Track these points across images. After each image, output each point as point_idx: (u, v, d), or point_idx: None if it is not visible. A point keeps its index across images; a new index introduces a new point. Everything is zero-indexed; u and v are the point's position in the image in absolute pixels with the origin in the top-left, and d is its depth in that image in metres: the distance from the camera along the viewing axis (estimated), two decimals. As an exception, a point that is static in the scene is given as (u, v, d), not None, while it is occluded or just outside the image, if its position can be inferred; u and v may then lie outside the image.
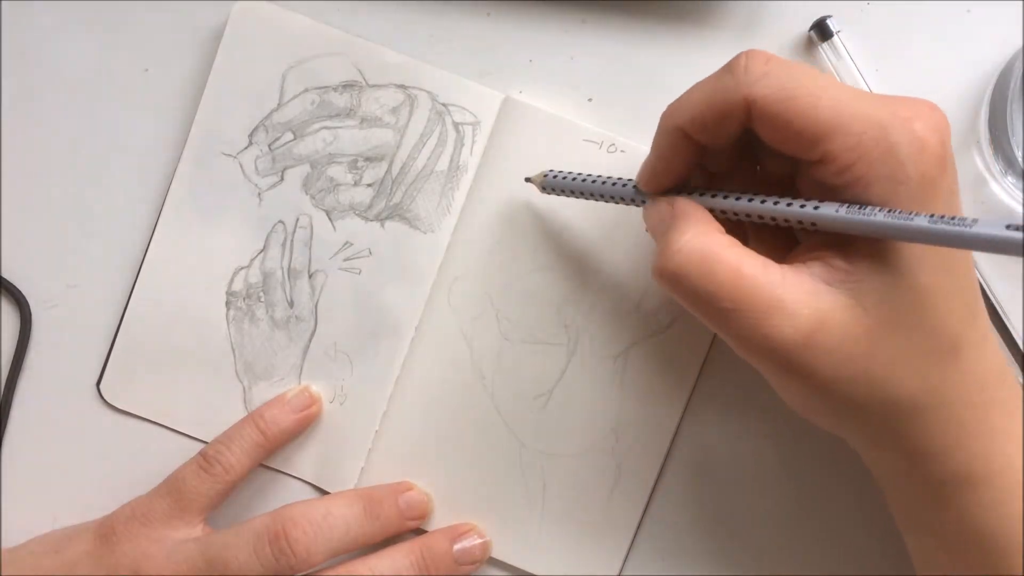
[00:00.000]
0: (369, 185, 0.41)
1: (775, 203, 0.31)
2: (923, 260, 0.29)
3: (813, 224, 0.30)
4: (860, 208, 0.29)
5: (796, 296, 0.29)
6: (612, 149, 0.40)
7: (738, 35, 0.40)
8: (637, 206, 0.35)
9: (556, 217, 0.40)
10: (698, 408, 0.40)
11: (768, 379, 0.32)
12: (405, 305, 0.41)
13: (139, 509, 0.39)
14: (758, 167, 0.35)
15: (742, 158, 0.34)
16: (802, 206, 0.30)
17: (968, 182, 0.40)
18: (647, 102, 0.41)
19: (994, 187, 0.39)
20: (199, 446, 0.40)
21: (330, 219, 0.41)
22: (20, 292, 0.42)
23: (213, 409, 0.41)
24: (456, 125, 0.41)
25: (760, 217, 0.31)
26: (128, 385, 0.42)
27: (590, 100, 0.41)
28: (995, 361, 0.32)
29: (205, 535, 0.38)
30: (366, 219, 0.41)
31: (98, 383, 0.42)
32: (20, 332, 0.42)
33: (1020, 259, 0.39)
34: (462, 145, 0.41)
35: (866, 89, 0.39)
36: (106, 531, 0.38)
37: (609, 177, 0.36)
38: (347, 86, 0.41)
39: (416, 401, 0.41)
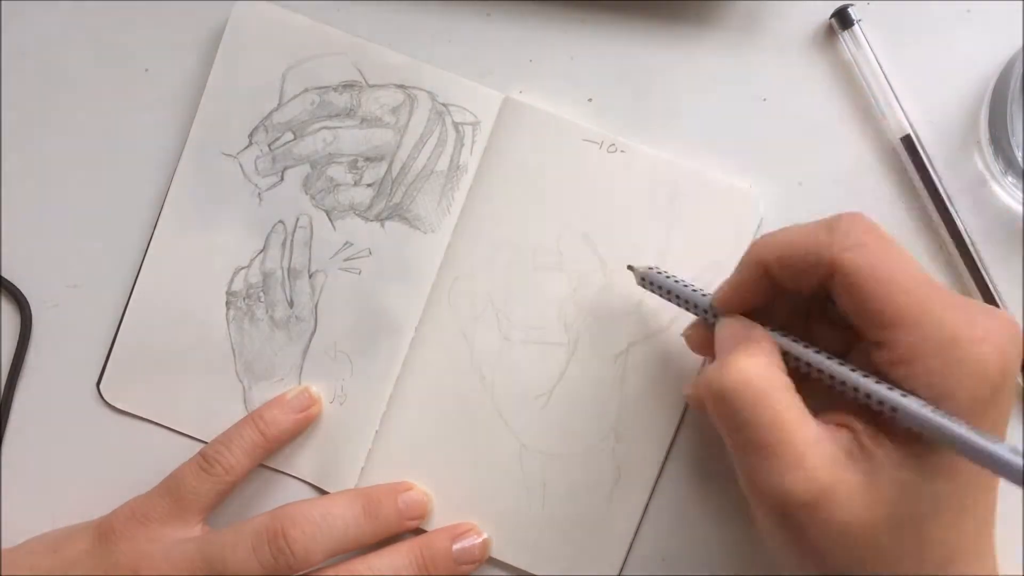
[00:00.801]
0: (369, 185, 0.41)
1: (863, 375, 0.30)
2: (949, 469, 0.29)
3: (893, 410, 0.29)
4: (944, 414, 0.28)
5: (821, 457, 0.29)
6: (612, 149, 0.40)
7: (738, 35, 0.40)
8: (710, 321, 0.35)
9: (556, 217, 0.40)
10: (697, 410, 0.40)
11: (762, 528, 0.32)
12: (405, 305, 0.41)
13: (138, 509, 0.39)
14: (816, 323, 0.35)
15: (808, 310, 0.34)
16: (890, 389, 0.30)
17: (968, 182, 0.40)
18: (647, 102, 0.41)
19: (994, 187, 0.39)
20: (199, 446, 0.40)
21: (330, 219, 0.41)
22: (21, 292, 0.42)
23: (213, 409, 0.41)
24: (456, 125, 0.41)
25: (831, 378, 0.31)
26: (128, 385, 0.42)
27: (590, 100, 0.41)
28: None
29: (204, 535, 0.38)
30: (366, 219, 0.41)
31: (98, 383, 0.42)
32: (20, 332, 0.42)
33: (1020, 257, 0.39)
34: (462, 145, 0.41)
35: (885, 83, 0.39)
36: (105, 531, 0.38)
37: (698, 289, 0.36)
38: (347, 86, 0.41)
39: (416, 401, 0.41)
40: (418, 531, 0.40)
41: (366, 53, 0.41)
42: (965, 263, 0.39)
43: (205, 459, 0.39)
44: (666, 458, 0.40)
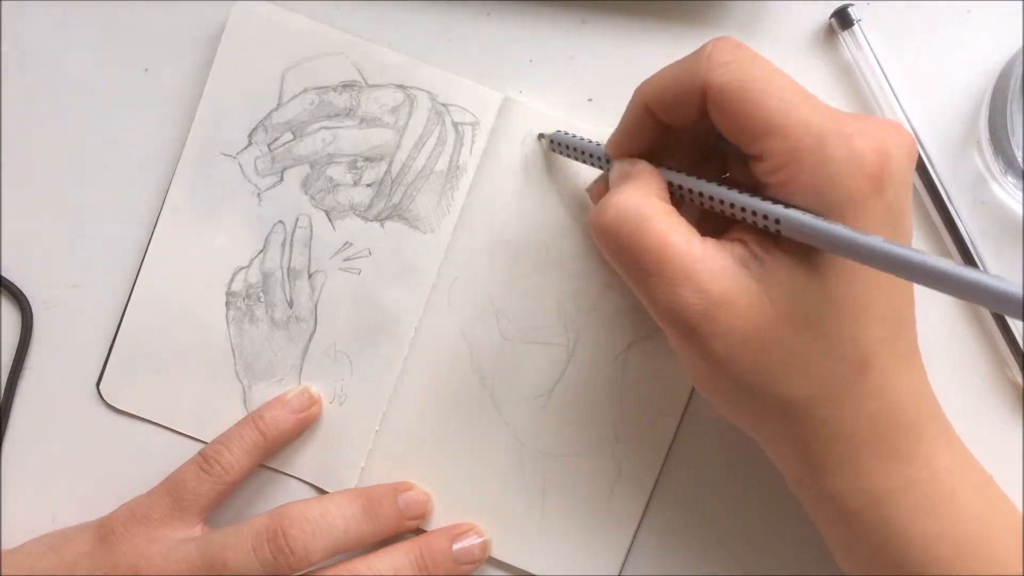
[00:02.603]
0: (369, 185, 0.41)
1: (747, 194, 0.31)
2: (844, 270, 0.30)
3: (777, 222, 0.30)
4: (822, 218, 0.29)
5: (710, 270, 0.30)
6: (612, 149, 0.40)
7: (738, 35, 0.40)
8: (606, 170, 0.36)
9: (556, 217, 0.40)
10: (698, 408, 0.40)
11: (675, 350, 0.33)
12: (405, 305, 0.41)
13: (138, 509, 0.39)
14: (726, 169, 0.36)
15: (713, 154, 0.35)
16: (772, 202, 0.30)
17: (968, 182, 0.40)
18: (647, 102, 0.41)
19: (994, 187, 0.39)
20: (199, 446, 0.40)
21: (330, 219, 0.41)
22: (22, 292, 0.42)
23: (213, 409, 0.41)
24: (456, 125, 0.41)
25: (721, 203, 0.32)
26: (128, 385, 0.42)
27: (590, 100, 0.41)
28: (912, 384, 0.32)
29: (204, 535, 0.38)
30: (366, 219, 0.41)
31: (98, 383, 0.42)
32: (21, 332, 0.42)
33: (1020, 257, 0.39)
34: (461, 145, 0.41)
35: (885, 83, 0.39)
36: (105, 531, 0.38)
37: (601, 144, 0.37)
38: (346, 86, 0.41)
39: (416, 401, 0.41)
40: (418, 531, 0.40)
41: (366, 53, 0.41)
42: (965, 263, 0.39)
43: (205, 459, 0.39)
44: (666, 458, 0.40)
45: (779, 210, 0.29)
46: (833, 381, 0.30)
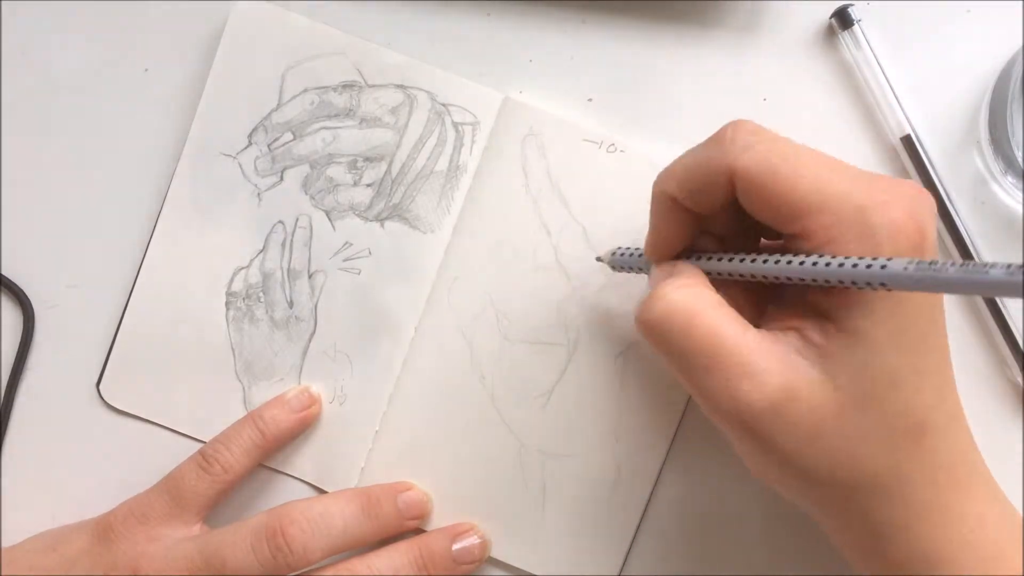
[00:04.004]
0: (369, 185, 0.41)
1: (804, 257, 0.30)
2: (895, 340, 0.29)
3: (883, 284, 0.28)
4: (886, 259, 0.27)
5: (769, 364, 0.29)
6: (612, 149, 0.40)
7: (738, 35, 0.40)
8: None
9: (557, 216, 0.40)
10: (698, 408, 0.40)
11: (733, 443, 0.32)
12: (405, 305, 0.41)
13: (137, 508, 0.39)
14: (760, 234, 0.35)
15: (743, 219, 0.34)
16: (827, 264, 0.28)
17: (968, 182, 0.40)
18: (647, 102, 0.41)
19: (994, 187, 0.39)
20: (199, 446, 0.40)
21: (330, 219, 0.41)
22: (23, 292, 0.42)
23: (213, 409, 0.41)
24: (456, 125, 0.41)
25: (762, 276, 0.31)
26: (128, 385, 0.42)
27: (590, 100, 0.41)
28: (961, 443, 0.31)
29: (203, 534, 0.38)
30: (366, 219, 0.41)
31: (98, 383, 0.42)
32: (23, 332, 0.42)
33: (1021, 257, 0.39)
34: (461, 145, 0.41)
35: (885, 83, 0.39)
36: (104, 529, 0.38)
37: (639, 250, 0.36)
38: (346, 86, 0.41)
39: (416, 401, 0.41)
40: (418, 531, 0.40)
41: (366, 53, 0.41)
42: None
43: (204, 458, 0.39)
44: (666, 458, 0.40)
45: (881, 273, 0.27)
46: (895, 452, 0.30)
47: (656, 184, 0.33)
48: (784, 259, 0.30)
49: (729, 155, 0.30)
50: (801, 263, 0.29)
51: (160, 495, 0.39)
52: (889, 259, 0.27)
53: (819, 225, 0.29)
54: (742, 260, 0.31)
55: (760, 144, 0.30)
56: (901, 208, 0.29)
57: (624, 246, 0.38)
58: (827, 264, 0.28)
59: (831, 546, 0.35)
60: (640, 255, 0.36)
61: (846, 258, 0.28)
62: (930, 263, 0.26)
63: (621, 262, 0.37)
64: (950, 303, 0.40)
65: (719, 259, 0.32)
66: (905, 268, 0.26)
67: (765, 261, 0.30)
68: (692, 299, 0.30)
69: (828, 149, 0.40)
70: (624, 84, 0.41)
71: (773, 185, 0.29)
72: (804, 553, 0.40)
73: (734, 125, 0.31)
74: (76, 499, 0.41)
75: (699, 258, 0.33)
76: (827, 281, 0.29)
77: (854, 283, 0.28)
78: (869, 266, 0.27)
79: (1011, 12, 0.39)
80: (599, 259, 0.39)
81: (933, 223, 0.30)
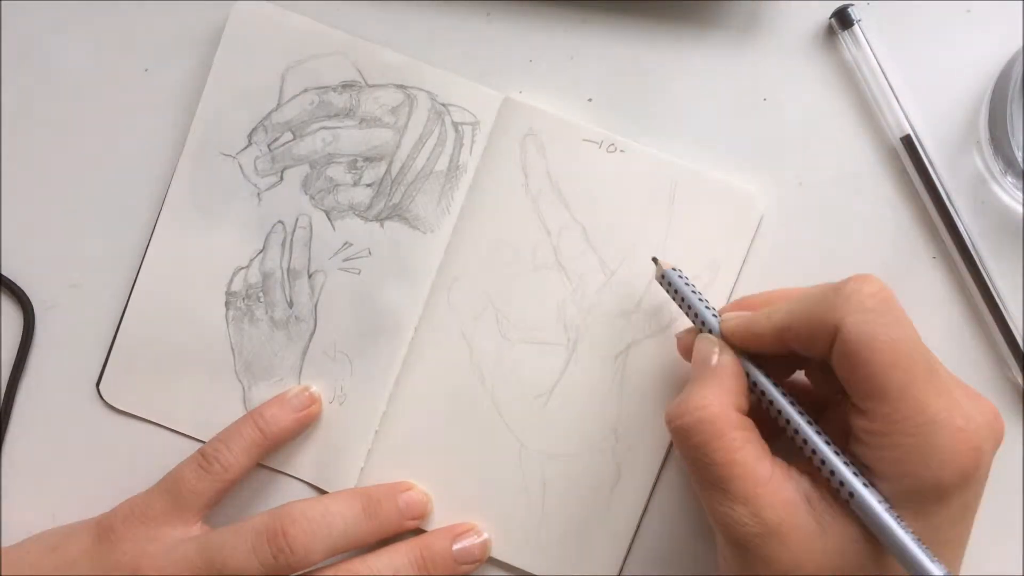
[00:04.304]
0: (368, 185, 0.41)
1: (826, 442, 0.31)
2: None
3: (851, 495, 0.30)
4: (896, 517, 0.29)
5: (771, 497, 0.30)
6: (612, 149, 0.40)
7: (738, 35, 0.40)
8: (699, 330, 0.36)
9: (556, 217, 0.40)
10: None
11: (720, 549, 0.33)
12: (405, 305, 0.41)
13: (137, 507, 0.39)
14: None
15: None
16: (852, 470, 0.30)
17: (968, 182, 0.40)
18: (647, 102, 0.41)
19: (994, 187, 0.39)
20: (199, 446, 0.40)
21: (329, 219, 0.41)
22: (24, 292, 0.42)
23: (212, 409, 0.41)
24: (456, 125, 0.41)
25: (795, 432, 0.32)
26: (127, 385, 0.42)
27: (590, 100, 0.41)
28: None
29: (203, 534, 0.38)
30: (365, 219, 0.41)
31: (98, 383, 0.42)
32: (23, 332, 0.42)
33: (1020, 257, 0.39)
34: (461, 145, 0.41)
35: (885, 83, 0.39)
36: (104, 529, 0.38)
37: (711, 307, 0.36)
38: (346, 86, 0.41)
39: (416, 401, 0.41)
40: (418, 531, 0.40)
41: (366, 53, 0.41)
42: (965, 263, 0.39)
43: (204, 457, 0.39)
44: (666, 457, 0.40)
45: (857, 487, 0.30)
46: None
47: (774, 313, 0.33)
48: (829, 448, 0.31)
49: (841, 310, 0.30)
50: (839, 470, 0.30)
51: (160, 495, 0.39)
52: (867, 485, 0.29)
53: (886, 416, 0.29)
54: (788, 401, 0.32)
55: (876, 312, 0.30)
56: (969, 437, 0.29)
57: (685, 274, 0.37)
58: (868, 499, 0.29)
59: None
60: (706, 306, 0.36)
61: (896, 516, 0.29)
62: None
63: (676, 284, 0.37)
64: (951, 305, 0.40)
65: (774, 385, 0.33)
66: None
67: (811, 427, 0.32)
68: (720, 418, 0.31)
69: (828, 149, 0.40)
70: (624, 84, 0.41)
71: (866, 359, 0.29)
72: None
73: (860, 280, 0.31)
74: (76, 499, 0.41)
75: (753, 362, 0.33)
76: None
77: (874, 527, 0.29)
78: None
79: (1011, 12, 0.39)
80: (655, 260, 0.38)
81: (993, 453, 0.31)
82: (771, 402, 0.33)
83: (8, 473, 0.42)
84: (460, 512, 0.41)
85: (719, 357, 0.34)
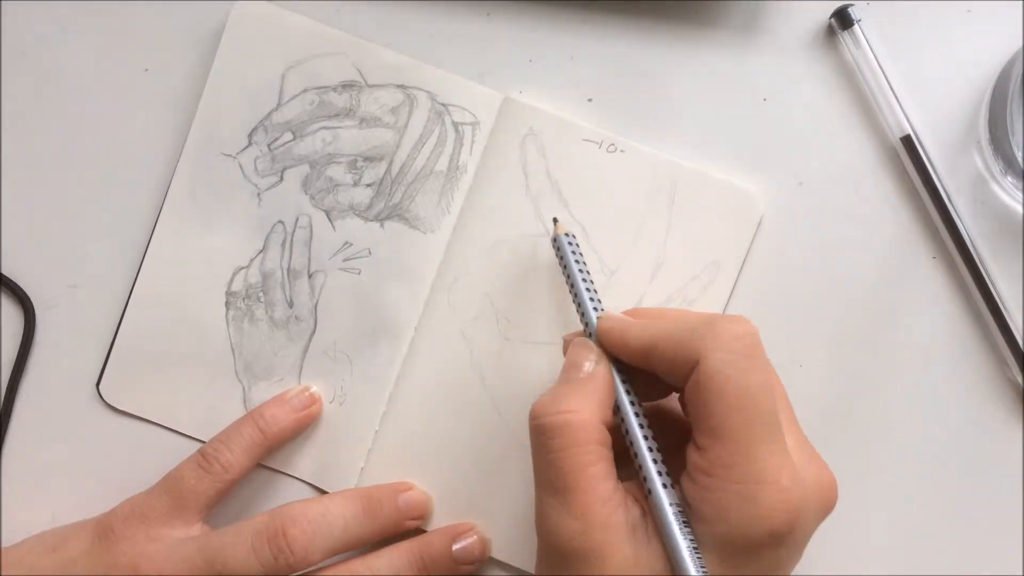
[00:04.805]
0: (369, 185, 0.41)
1: (653, 461, 0.31)
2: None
3: (645, 486, 0.31)
4: (699, 560, 0.29)
5: (603, 518, 0.30)
6: (612, 149, 0.40)
7: (738, 35, 0.40)
8: (582, 326, 0.36)
9: (556, 216, 0.40)
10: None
11: (538, 559, 0.33)
12: (405, 305, 0.41)
13: (137, 507, 0.38)
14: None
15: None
16: (664, 486, 0.31)
17: (968, 182, 0.40)
18: (647, 102, 0.41)
19: (994, 187, 0.39)
20: (198, 446, 0.40)
21: (330, 219, 0.41)
22: (25, 292, 0.42)
23: (213, 409, 0.41)
24: (456, 125, 0.41)
25: (634, 454, 0.32)
26: (128, 385, 0.41)
27: (590, 100, 0.41)
28: None
29: (204, 534, 0.38)
30: (366, 219, 0.41)
31: (98, 383, 0.42)
32: (24, 332, 0.42)
33: (1020, 257, 0.39)
34: (461, 145, 0.41)
35: (885, 83, 0.39)
36: (104, 529, 0.38)
37: (595, 297, 0.36)
38: (346, 86, 0.41)
39: (416, 401, 0.41)
40: (418, 531, 0.40)
41: (366, 53, 0.41)
42: (965, 263, 0.39)
43: (204, 457, 0.39)
44: (666, 458, 0.40)
45: (662, 505, 0.30)
46: None
47: (642, 331, 0.33)
48: (661, 478, 0.31)
49: (706, 345, 0.30)
50: (664, 486, 0.31)
51: (160, 495, 0.39)
52: (679, 511, 0.30)
53: (715, 455, 0.30)
54: (641, 431, 0.32)
55: (736, 354, 0.30)
56: (790, 501, 0.29)
57: (579, 249, 0.37)
58: (675, 525, 0.30)
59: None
60: (590, 297, 0.36)
61: (682, 521, 0.30)
62: None
63: (565, 255, 0.37)
64: (952, 305, 0.40)
65: (634, 402, 0.33)
66: None
67: (646, 440, 0.32)
68: (582, 428, 0.31)
69: (828, 149, 0.40)
70: (624, 84, 0.41)
71: (713, 396, 0.30)
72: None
73: (728, 320, 0.31)
74: (76, 499, 0.41)
75: (624, 382, 0.33)
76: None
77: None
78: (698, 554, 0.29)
79: (1011, 12, 0.40)
80: (555, 220, 0.39)
81: (817, 521, 0.31)
82: (623, 418, 0.33)
83: (8, 473, 0.42)
84: (460, 512, 0.41)
85: (595, 366, 0.33)
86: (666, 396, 0.35)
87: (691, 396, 0.31)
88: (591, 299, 0.36)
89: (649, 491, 0.31)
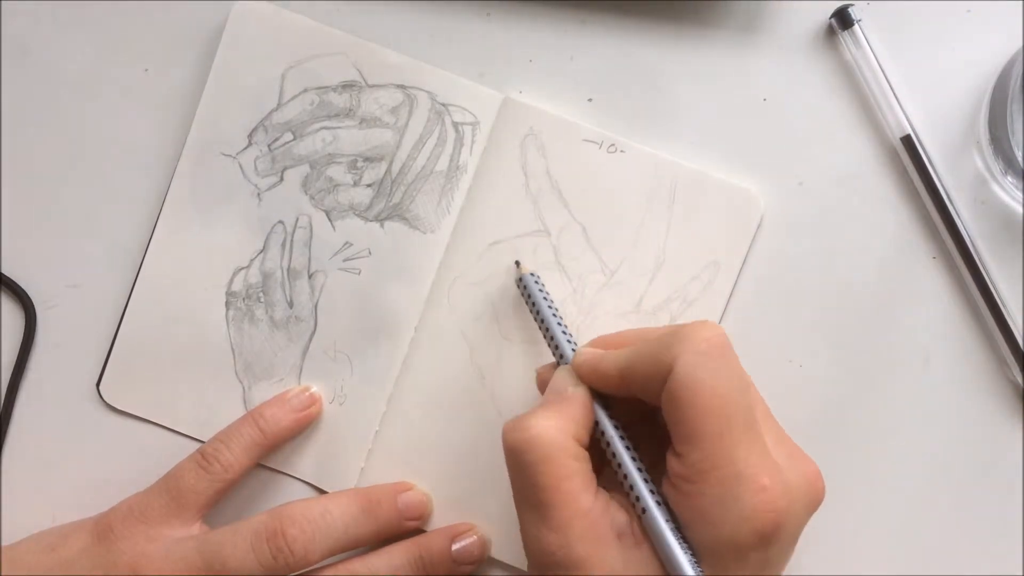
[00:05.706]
0: (369, 185, 0.41)
1: (639, 471, 0.31)
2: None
3: (643, 511, 0.31)
4: (692, 560, 0.29)
5: (585, 530, 0.30)
6: (612, 149, 0.40)
7: (738, 35, 0.40)
8: (555, 359, 0.36)
9: (556, 216, 0.40)
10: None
11: (528, 567, 0.33)
12: (405, 305, 0.41)
13: (136, 507, 0.38)
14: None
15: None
16: (658, 503, 0.31)
17: (968, 182, 0.40)
18: (647, 102, 0.41)
19: (994, 187, 0.39)
20: (198, 446, 0.40)
21: (330, 219, 0.41)
22: (25, 292, 0.42)
23: (213, 409, 0.41)
24: (456, 125, 0.41)
25: (619, 469, 0.32)
26: (128, 385, 0.42)
27: (590, 100, 0.41)
28: None
29: (203, 534, 0.38)
30: (366, 219, 0.41)
31: (98, 383, 0.42)
32: (24, 332, 0.42)
33: (1020, 257, 0.39)
34: (461, 145, 0.41)
35: (885, 83, 0.39)
36: (103, 529, 0.38)
37: (567, 332, 0.36)
38: (346, 86, 0.41)
39: (416, 401, 0.41)
40: (418, 531, 0.40)
41: (366, 53, 0.41)
42: (965, 263, 0.39)
43: (204, 457, 0.39)
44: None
45: (650, 504, 0.30)
46: None
47: (616, 358, 0.33)
48: (645, 487, 0.31)
49: (676, 351, 0.30)
50: (658, 503, 0.31)
51: (159, 494, 0.39)
52: (667, 519, 0.30)
53: (695, 460, 0.29)
54: (626, 451, 0.32)
55: (707, 357, 0.30)
56: (772, 498, 0.29)
57: (546, 288, 0.38)
58: (655, 514, 0.30)
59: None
60: (563, 331, 0.36)
61: (678, 536, 0.30)
62: None
63: (532, 294, 0.37)
64: (952, 305, 0.40)
65: (612, 423, 0.33)
66: None
67: (634, 460, 0.32)
68: (555, 442, 0.31)
69: (828, 149, 0.40)
70: (624, 84, 0.41)
71: (687, 401, 0.30)
72: (801, 553, 0.40)
73: (699, 325, 0.31)
74: (76, 499, 0.41)
75: (603, 406, 0.33)
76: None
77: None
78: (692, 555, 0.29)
79: (1011, 12, 0.39)
80: (518, 263, 0.39)
81: (806, 515, 0.31)
82: (603, 433, 0.33)
83: (8, 473, 0.42)
84: (460, 512, 0.41)
85: (572, 389, 0.33)
86: (647, 419, 0.35)
87: (666, 405, 0.30)
88: (564, 333, 0.36)
89: (644, 510, 0.31)
